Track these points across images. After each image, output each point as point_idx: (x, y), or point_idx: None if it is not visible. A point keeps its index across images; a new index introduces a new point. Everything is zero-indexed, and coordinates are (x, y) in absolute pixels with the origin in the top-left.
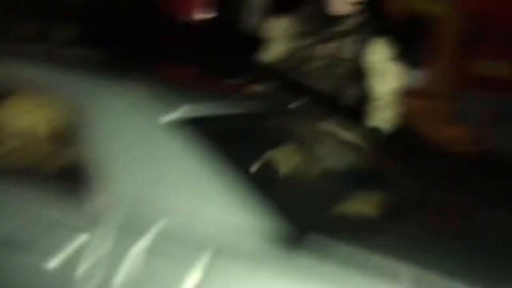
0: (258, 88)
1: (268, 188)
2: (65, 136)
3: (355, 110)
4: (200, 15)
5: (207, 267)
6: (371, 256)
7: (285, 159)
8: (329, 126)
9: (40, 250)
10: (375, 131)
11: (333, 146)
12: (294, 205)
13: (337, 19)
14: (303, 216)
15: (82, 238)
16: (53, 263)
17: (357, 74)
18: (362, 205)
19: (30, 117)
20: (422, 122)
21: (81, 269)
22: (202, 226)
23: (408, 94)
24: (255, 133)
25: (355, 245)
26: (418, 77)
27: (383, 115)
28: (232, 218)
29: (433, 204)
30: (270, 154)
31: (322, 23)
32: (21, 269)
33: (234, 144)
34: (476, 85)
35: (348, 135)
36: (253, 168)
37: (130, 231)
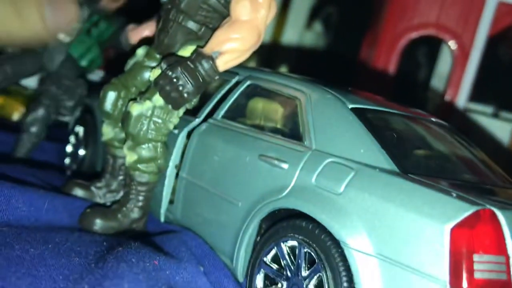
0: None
1: (391, 146)
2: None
3: None
4: None
5: (352, 177)
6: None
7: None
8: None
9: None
10: None
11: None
12: (405, 158)
13: None
14: (408, 164)
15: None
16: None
17: None
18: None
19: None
20: None
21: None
22: (351, 163)
23: None
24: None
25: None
26: None
27: None
28: (369, 161)
29: None
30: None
31: None
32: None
33: (382, 126)
34: None
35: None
36: (387, 138)
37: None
